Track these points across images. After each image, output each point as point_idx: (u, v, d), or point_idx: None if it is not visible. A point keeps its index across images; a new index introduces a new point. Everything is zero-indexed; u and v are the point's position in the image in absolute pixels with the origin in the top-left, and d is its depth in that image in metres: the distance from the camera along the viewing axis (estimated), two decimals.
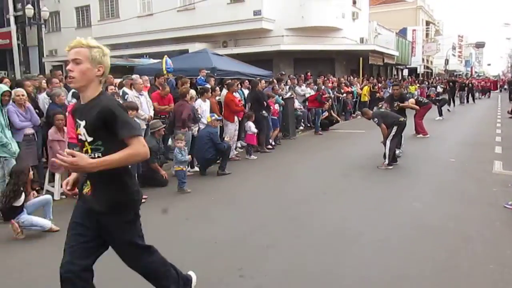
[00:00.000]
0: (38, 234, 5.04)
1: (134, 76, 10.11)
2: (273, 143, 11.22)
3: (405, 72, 35.04)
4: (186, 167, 7.12)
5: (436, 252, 4.29)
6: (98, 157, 2.50)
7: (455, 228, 4.99)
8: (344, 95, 17.95)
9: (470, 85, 29.77)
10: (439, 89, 27.84)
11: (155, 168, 7.14)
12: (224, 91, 10.05)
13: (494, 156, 9.41)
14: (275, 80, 12.62)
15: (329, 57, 24.28)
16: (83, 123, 2.55)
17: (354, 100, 19.32)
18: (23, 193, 4.90)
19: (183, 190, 6.80)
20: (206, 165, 8.04)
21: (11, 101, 6.16)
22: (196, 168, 8.34)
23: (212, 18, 23.00)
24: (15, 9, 7.41)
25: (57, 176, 6.74)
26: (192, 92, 8.36)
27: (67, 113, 6.52)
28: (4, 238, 4.92)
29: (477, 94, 33.66)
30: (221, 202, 6.39)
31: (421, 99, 13.13)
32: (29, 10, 20.55)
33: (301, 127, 14.60)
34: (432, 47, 41.99)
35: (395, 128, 8.36)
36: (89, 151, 2.56)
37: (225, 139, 8.53)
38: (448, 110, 19.03)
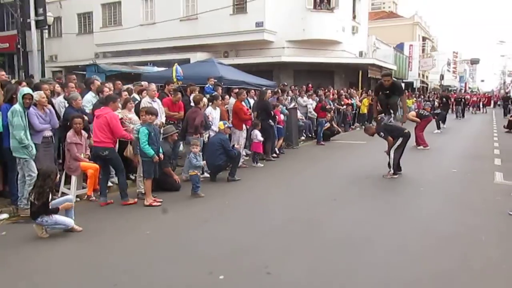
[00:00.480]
0: (61, 234, 5.18)
1: (143, 83, 10.40)
2: (277, 152, 11.43)
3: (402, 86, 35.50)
4: (200, 171, 7.29)
5: (448, 256, 4.51)
6: None
7: (465, 234, 5.21)
8: (344, 107, 18.25)
9: (463, 100, 30.23)
10: (436, 104, 28.26)
11: (168, 172, 7.31)
12: (232, 100, 10.27)
13: (494, 167, 9.68)
14: (280, 91, 12.86)
15: (328, 69, 24.62)
16: None
17: (354, 112, 19.63)
18: (50, 194, 5.04)
19: (197, 194, 6.97)
20: (216, 171, 8.23)
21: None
22: (206, 174, 8.51)
23: (214, 28, 23.24)
24: (36, 14, 7.56)
25: (73, 178, 6.88)
26: (205, 99, 8.55)
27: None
28: (32, 237, 5.06)
29: (471, 109, 34.17)
30: (236, 206, 6.58)
31: (422, 112, 13.44)
32: (50, 18, 20.71)
33: (303, 137, 14.84)
34: (428, 63, 42.63)
35: (400, 139, 8.61)
36: None
37: (235, 146, 8.72)
38: (441, 127, 18.04)
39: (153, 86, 9.09)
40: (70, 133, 6.83)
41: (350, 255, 4.53)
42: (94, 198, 6.89)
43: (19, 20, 30.64)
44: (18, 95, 6.04)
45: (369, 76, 25.60)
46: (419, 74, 41.45)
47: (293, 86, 17.57)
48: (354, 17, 26.82)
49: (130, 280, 3.88)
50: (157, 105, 8.76)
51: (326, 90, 17.99)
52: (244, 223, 5.67)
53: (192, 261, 4.31)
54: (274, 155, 11.07)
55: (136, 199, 6.71)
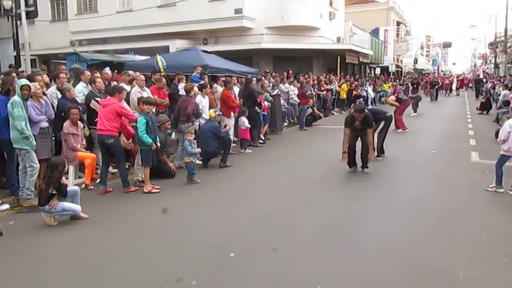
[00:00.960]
0: (69, 222, 5.38)
1: (130, 72, 10.47)
2: (263, 138, 11.72)
3: (378, 70, 36.24)
4: (195, 158, 7.53)
5: (436, 227, 4.96)
6: None
7: (446, 208, 5.69)
8: (324, 92, 18.64)
9: (437, 83, 31.01)
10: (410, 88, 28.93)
11: (163, 160, 7.52)
12: (220, 88, 10.47)
13: (470, 147, 10.26)
14: (263, 78, 13.10)
15: (307, 55, 24.95)
16: None
17: (333, 97, 20.06)
18: (59, 183, 5.21)
19: (193, 181, 7.23)
20: (208, 158, 8.48)
21: None
22: (198, 161, 8.74)
23: (193, 15, 23.15)
24: (26, 4, 7.50)
25: (71, 168, 7.02)
26: (196, 88, 8.74)
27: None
28: (40, 225, 5.25)
29: (444, 92, 35.10)
30: (232, 190, 6.88)
31: (401, 97, 13.92)
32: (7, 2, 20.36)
33: (286, 123, 15.18)
34: (402, 47, 43.44)
35: (382, 123, 9.05)
36: None
37: (226, 128, 9.00)
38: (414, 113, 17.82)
39: (142, 76, 9.21)
40: (66, 124, 6.94)
41: (347, 230, 4.93)
42: (92, 187, 7.06)
43: None
44: (16, 86, 6.13)
45: (346, 61, 26.05)
46: (394, 58, 42.25)
47: (274, 73, 17.85)
48: (331, 3, 27.14)
49: (146, 260, 4.14)
50: (147, 94, 8.88)
51: (306, 76, 18.34)
52: (243, 205, 5.98)
53: (201, 241, 4.60)
54: (261, 141, 11.36)
55: (137, 187, 6.91)
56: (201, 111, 8.83)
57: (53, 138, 7.61)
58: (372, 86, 24.35)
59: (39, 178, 6.43)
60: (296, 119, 15.33)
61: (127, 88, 9.45)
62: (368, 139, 7.57)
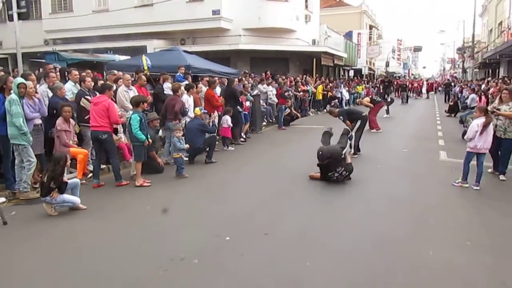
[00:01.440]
0: (68, 212, 5.68)
1: (115, 72, 10.71)
2: (244, 136, 12.16)
3: (351, 73, 37.24)
4: (184, 154, 7.89)
5: (409, 215, 5.52)
6: None
7: (418, 200, 6.28)
8: (301, 93, 19.22)
9: (407, 86, 32.13)
10: (381, 89, 29.89)
11: (152, 156, 7.86)
12: (204, 88, 10.84)
13: (438, 147, 10.96)
14: (244, 79, 13.54)
15: (283, 57, 25.55)
16: None
17: (309, 98, 20.67)
18: (61, 177, 5.51)
19: (182, 175, 7.60)
20: (195, 154, 8.85)
21: None
22: (184, 158, 9.09)
23: (171, 16, 23.36)
24: (18, 6, 7.63)
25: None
26: (183, 88, 9.10)
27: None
28: (41, 215, 5.54)
29: (413, 95, 36.34)
30: (220, 184, 7.30)
31: (375, 98, 14.59)
32: None
33: (264, 123, 15.64)
34: (375, 50, 44.71)
35: (358, 122, 9.64)
36: None
37: (211, 118, 9.43)
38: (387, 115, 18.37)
39: (128, 75, 9.49)
40: (59, 121, 7.19)
41: (333, 216, 5.45)
42: (84, 181, 7.32)
43: None
44: (13, 85, 6.36)
45: (322, 63, 26.77)
46: (366, 61, 43.42)
47: (252, 74, 18.32)
48: (306, 6, 27.81)
49: (149, 243, 4.54)
50: (133, 93, 9.17)
51: (284, 77, 18.88)
52: (233, 197, 6.42)
53: (197, 227, 5.01)
54: (242, 139, 11.79)
55: (129, 181, 7.23)
56: (187, 110, 9.20)
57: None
58: (346, 88, 25.13)
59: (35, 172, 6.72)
60: (274, 119, 15.83)
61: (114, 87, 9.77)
62: None
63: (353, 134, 9.46)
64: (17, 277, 3.88)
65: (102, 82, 9.20)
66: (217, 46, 23.55)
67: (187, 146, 7.92)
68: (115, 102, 8.48)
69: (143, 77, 9.68)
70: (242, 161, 9.37)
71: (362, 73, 41.48)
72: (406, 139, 12.39)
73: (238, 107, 11.38)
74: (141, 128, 6.95)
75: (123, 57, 17.56)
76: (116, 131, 8.43)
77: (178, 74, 11.31)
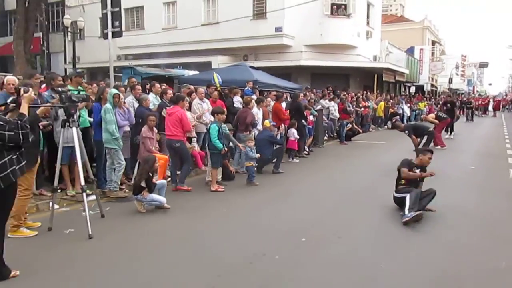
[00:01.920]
0: (154, 210, 6.29)
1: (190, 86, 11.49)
2: (307, 149, 12.50)
3: (413, 89, 36.55)
4: (255, 163, 8.37)
5: (477, 227, 5.59)
6: None
7: (488, 213, 6.36)
8: (362, 109, 19.31)
9: (471, 104, 30.91)
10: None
11: (226, 164, 8.40)
12: (272, 101, 11.36)
13: (508, 165, 10.70)
14: (309, 93, 13.93)
15: (344, 72, 25.69)
16: None
17: (370, 114, 20.68)
18: (150, 176, 6.15)
19: (253, 183, 8.07)
20: (263, 164, 9.30)
21: None
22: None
23: (235, 33, 24.27)
24: (113, 26, 8.60)
25: None
26: (253, 101, 9.66)
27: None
28: (131, 211, 6.21)
29: (478, 113, 34.94)
30: (289, 192, 7.71)
31: (441, 115, 14.42)
32: (67, 20, 22.48)
33: (326, 137, 15.89)
34: (437, 66, 43.65)
35: (425, 138, 9.70)
36: None
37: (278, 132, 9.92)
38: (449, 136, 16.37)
39: (202, 89, 10.19)
40: (144, 129, 7.91)
41: (403, 225, 5.62)
42: None
43: (44, 24, 32.06)
44: (108, 95, 7.16)
45: (383, 79, 26.61)
46: (429, 77, 42.42)
47: (314, 90, 18.68)
48: (368, 23, 27.88)
49: (231, 240, 5.00)
50: (206, 105, 9.86)
51: (345, 93, 19.07)
52: (303, 204, 6.79)
53: (274, 228, 5.43)
54: (305, 152, 12.14)
55: (191, 187, 7.77)
56: (256, 122, 9.72)
57: None
58: (408, 105, 24.81)
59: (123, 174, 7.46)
60: (336, 134, 16.04)
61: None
62: None
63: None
64: (123, 260, 4.45)
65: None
66: (278, 62, 24.14)
67: (258, 155, 8.39)
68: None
69: (215, 92, 10.33)
70: (307, 172, 9.71)
71: (424, 89, 40.51)
72: (472, 156, 12.17)
73: (303, 121, 11.76)
74: (218, 137, 7.50)
75: (191, 72, 18.53)
76: (190, 140, 9.10)
77: (246, 88, 11.91)
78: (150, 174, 6.20)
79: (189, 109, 9.34)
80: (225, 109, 8.29)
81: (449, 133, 16.91)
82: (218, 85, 11.53)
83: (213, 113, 7.86)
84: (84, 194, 5.30)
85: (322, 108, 14.92)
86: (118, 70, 19.51)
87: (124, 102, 8.24)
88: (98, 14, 31.37)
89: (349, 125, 15.92)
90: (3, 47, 34.07)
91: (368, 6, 27.77)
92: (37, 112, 5.18)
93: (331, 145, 14.92)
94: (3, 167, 3.75)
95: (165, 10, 28.14)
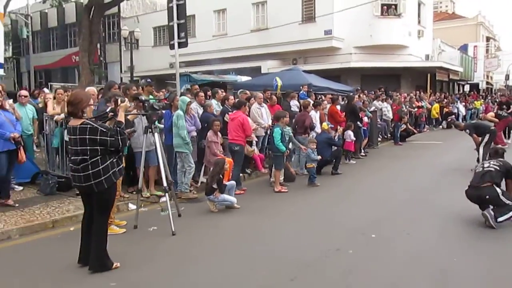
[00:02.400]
0: (225, 210, 6.70)
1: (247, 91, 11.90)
2: (363, 151, 12.58)
3: (467, 87, 35.37)
4: (316, 164, 8.62)
5: None
6: None
7: None
8: (415, 109, 19.03)
9: None
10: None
11: (287, 166, 8.71)
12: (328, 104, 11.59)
13: None
14: (362, 95, 14.00)
15: (395, 73, 25.31)
16: None
17: (425, 114, 20.32)
18: (220, 178, 6.58)
19: (314, 184, 8.33)
20: (323, 165, 9.52)
21: None
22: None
23: (284, 37, 24.50)
24: (179, 37, 9.20)
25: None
26: (311, 105, 9.94)
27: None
28: (204, 210, 6.68)
29: None
30: (352, 192, 7.97)
31: (501, 113, 14.02)
32: (125, 32, 23.73)
33: (379, 138, 15.85)
34: (493, 63, 41.91)
35: (487, 136, 9.55)
36: None
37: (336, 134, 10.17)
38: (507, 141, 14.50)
39: (260, 94, 10.56)
40: (210, 133, 8.36)
41: (473, 219, 5.70)
42: None
43: (101, 35, 33.86)
44: (181, 102, 7.66)
45: (436, 79, 26.00)
46: (484, 75, 40.86)
47: (366, 91, 18.64)
48: (419, 22, 27.35)
49: (305, 236, 5.33)
50: (264, 110, 10.20)
51: (398, 94, 18.89)
52: (366, 203, 7.00)
53: (342, 226, 5.70)
54: (362, 153, 12.24)
55: (245, 188, 8.14)
56: (314, 125, 9.97)
57: None
58: (463, 103, 24.13)
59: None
60: (389, 135, 15.96)
61: None
62: None
63: (481, 149, 9.43)
64: (205, 254, 4.85)
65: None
66: (328, 64, 24.14)
67: (319, 157, 8.64)
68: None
69: (274, 97, 10.69)
70: (366, 172, 9.85)
71: (479, 87, 39.05)
72: None
73: (358, 122, 11.88)
74: (281, 140, 7.83)
75: (244, 78, 19.04)
76: (250, 144, 9.48)
77: (301, 92, 12.19)
78: (220, 176, 6.61)
79: (248, 114, 9.74)
80: (287, 113, 8.57)
81: (506, 137, 15.13)
82: (279, 90, 11.90)
83: (276, 117, 8.19)
84: (167, 194, 5.75)
85: (376, 109, 14.93)
86: (174, 78, 20.37)
87: (191, 109, 8.78)
88: (151, 24, 33.21)
89: (404, 126, 15.80)
90: (64, 59, 36.39)
91: (419, 4, 27.25)
92: (129, 118, 5.68)
93: (386, 146, 14.88)
94: (106, 170, 4.23)
95: (215, 18, 28.90)
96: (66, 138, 7.46)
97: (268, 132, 9.99)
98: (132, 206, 6.89)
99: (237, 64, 25.51)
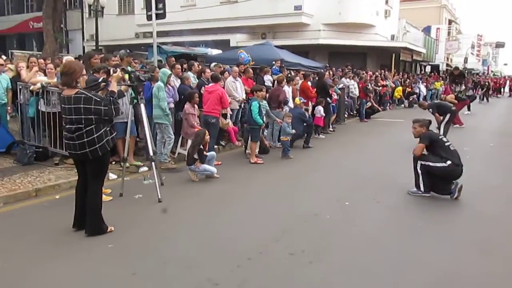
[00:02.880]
0: (205, 179, 6.99)
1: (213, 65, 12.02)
2: (332, 126, 13.10)
3: (428, 68, 36.65)
4: (290, 137, 9.01)
5: (496, 198, 6.20)
6: None
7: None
8: (380, 87, 19.73)
9: (487, 84, 30.98)
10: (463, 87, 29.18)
11: (261, 139, 9.05)
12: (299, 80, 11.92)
13: None
14: (331, 72, 14.44)
15: (361, 52, 25.95)
16: None
17: (389, 92, 21.09)
18: (201, 148, 6.84)
19: (288, 156, 8.73)
20: (294, 139, 9.92)
21: None
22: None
23: (254, 11, 24.50)
24: (156, 8, 9.05)
25: (189, 141, 8.63)
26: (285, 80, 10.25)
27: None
28: (185, 180, 6.96)
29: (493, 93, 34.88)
30: (323, 164, 8.46)
31: (460, 95, 14.87)
32: None
33: (346, 115, 16.44)
34: (453, 46, 43.43)
35: (448, 116, 10.24)
36: None
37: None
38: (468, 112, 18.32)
39: (236, 68, 10.74)
40: (187, 105, 8.52)
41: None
42: None
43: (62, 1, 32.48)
44: (161, 74, 7.77)
45: (401, 59, 26.84)
46: (444, 57, 42.36)
47: (333, 68, 19.11)
48: (386, 1, 27.93)
49: (285, 201, 5.75)
50: (239, 84, 10.43)
51: (364, 72, 19.49)
52: (337, 173, 7.52)
53: (319, 194, 6.16)
54: (330, 129, 12.75)
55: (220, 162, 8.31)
56: (287, 99, 10.31)
57: None
58: (424, 84, 25.12)
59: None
60: (355, 111, 16.58)
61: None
62: None
63: (442, 127, 10.10)
64: (196, 218, 5.15)
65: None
66: (297, 40, 24.41)
67: (293, 131, 9.02)
68: None
69: (250, 70, 10.92)
70: (335, 146, 10.43)
71: (440, 69, 40.53)
72: (491, 135, 12.69)
73: (328, 98, 12.32)
74: (258, 113, 8.13)
75: (214, 51, 19.04)
76: (225, 116, 9.72)
77: (274, 67, 12.44)
78: (201, 146, 6.85)
79: (223, 87, 9.94)
80: (263, 87, 8.84)
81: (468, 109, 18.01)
82: (251, 62, 12.09)
83: (253, 91, 8.45)
84: (153, 163, 5.95)
85: (343, 87, 15.42)
86: (144, 48, 20.10)
87: (171, 81, 8.88)
88: None
89: (369, 103, 16.43)
90: (19, 25, 34.68)
91: None
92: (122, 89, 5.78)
93: (352, 122, 15.50)
94: (100, 138, 4.41)
95: None
96: (42, 108, 7.50)
97: (242, 105, 10.30)
98: (112, 176, 7.03)
99: (205, 36, 25.31)
